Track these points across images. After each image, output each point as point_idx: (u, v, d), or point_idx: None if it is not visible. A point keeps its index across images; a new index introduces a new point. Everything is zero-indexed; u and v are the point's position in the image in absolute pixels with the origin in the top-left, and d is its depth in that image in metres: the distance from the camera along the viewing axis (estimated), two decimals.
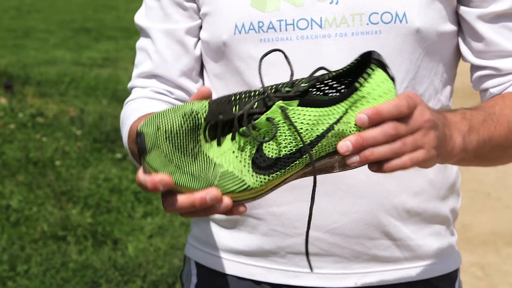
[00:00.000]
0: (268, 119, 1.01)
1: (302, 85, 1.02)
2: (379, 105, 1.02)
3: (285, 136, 1.02)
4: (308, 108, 1.02)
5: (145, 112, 1.34)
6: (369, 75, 1.03)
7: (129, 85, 1.49)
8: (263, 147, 1.02)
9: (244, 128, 1.01)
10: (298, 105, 1.02)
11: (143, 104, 1.41)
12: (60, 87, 7.76)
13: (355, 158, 1.02)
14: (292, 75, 1.03)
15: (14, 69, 8.21)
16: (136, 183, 1.04)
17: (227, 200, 1.01)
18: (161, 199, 1.03)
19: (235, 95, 1.03)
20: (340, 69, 1.06)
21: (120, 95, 7.54)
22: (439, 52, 1.36)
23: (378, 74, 1.03)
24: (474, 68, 1.39)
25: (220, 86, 1.40)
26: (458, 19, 1.37)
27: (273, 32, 1.32)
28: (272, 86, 1.03)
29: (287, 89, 1.02)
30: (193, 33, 1.41)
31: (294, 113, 1.02)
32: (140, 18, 1.46)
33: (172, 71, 1.42)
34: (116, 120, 6.34)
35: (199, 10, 1.40)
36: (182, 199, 1.01)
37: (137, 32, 1.48)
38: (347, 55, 1.29)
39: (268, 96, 1.01)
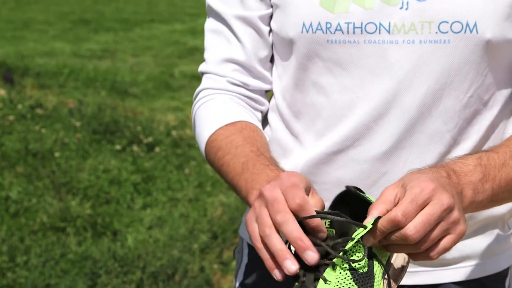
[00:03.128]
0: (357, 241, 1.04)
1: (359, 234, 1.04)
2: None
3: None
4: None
5: (223, 123, 1.35)
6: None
7: (203, 68, 1.46)
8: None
9: (338, 259, 1.04)
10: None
11: (219, 110, 1.40)
12: (59, 79, 7.76)
13: None
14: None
15: (13, 60, 8.21)
16: None
17: None
18: None
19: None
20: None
21: (118, 87, 7.54)
22: (507, 58, 1.32)
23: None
24: None
25: (285, 76, 1.40)
26: None
27: (341, 34, 1.30)
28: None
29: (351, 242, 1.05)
30: (266, 21, 1.41)
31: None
32: (215, 1, 1.43)
33: (251, 57, 1.42)
34: (115, 111, 6.34)
35: None
36: None
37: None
38: (414, 62, 1.27)
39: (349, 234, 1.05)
